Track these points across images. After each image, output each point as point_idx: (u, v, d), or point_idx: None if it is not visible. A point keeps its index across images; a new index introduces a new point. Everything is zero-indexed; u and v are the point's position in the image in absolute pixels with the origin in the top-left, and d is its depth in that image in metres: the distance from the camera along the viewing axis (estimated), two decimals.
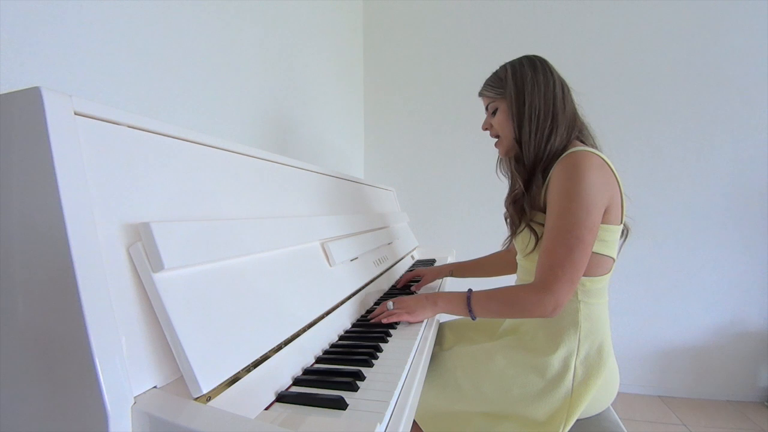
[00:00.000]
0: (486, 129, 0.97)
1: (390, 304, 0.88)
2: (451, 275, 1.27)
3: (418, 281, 1.23)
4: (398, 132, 2.43)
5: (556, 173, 0.80)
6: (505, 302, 0.82)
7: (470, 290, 0.86)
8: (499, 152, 0.98)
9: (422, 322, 0.88)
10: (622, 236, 0.86)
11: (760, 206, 2.03)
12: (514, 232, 0.92)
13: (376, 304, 1.02)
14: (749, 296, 2.08)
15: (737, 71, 1.99)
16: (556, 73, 0.89)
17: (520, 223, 0.89)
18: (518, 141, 0.87)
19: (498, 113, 0.91)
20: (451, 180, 2.36)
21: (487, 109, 0.95)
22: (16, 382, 0.39)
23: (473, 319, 0.84)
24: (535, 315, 0.77)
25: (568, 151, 0.80)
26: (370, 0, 2.42)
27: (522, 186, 0.87)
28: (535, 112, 0.85)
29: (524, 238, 0.88)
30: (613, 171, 0.80)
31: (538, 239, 0.85)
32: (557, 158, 0.82)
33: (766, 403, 2.08)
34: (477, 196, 2.30)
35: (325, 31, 1.87)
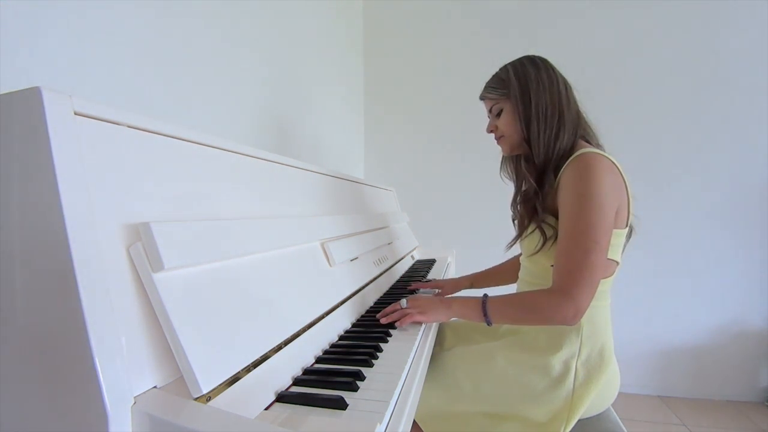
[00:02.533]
0: (491, 131, 0.95)
1: (404, 301, 0.87)
2: (471, 287, 1.22)
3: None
4: (398, 132, 2.43)
5: (566, 175, 0.79)
6: (522, 308, 0.79)
7: (486, 295, 0.84)
8: (502, 150, 0.96)
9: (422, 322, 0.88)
10: (626, 237, 0.85)
11: (760, 206, 2.03)
12: (521, 233, 0.91)
13: (376, 303, 1.02)
14: (749, 296, 2.08)
15: (737, 71, 1.99)
16: (558, 71, 0.88)
17: (529, 223, 0.87)
18: (527, 140, 0.86)
19: (503, 114, 0.90)
20: (451, 180, 2.36)
21: (490, 111, 0.93)
22: (16, 382, 0.39)
23: (489, 325, 0.82)
24: (556, 322, 0.75)
25: (578, 152, 0.79)
26: (371, 0, 2.42)
27: (534, 184, 0.86)
28: (542, 110, 0.84)
29: (532, 240, 0.87)
30: (621, 174, 0.80)
31: (545, 241, 0.83)
32: (566, 158, 0.81)
33: (766, 403, 2.08)
34: (477, 196, 2.30)
35: (325, 31, 1.87)
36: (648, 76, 2.07)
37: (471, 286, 1.23)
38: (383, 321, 0.84)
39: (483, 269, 1.26)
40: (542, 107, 0.84)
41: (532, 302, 0.78)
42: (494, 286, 1.22)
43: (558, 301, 0.73)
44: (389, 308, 0.88)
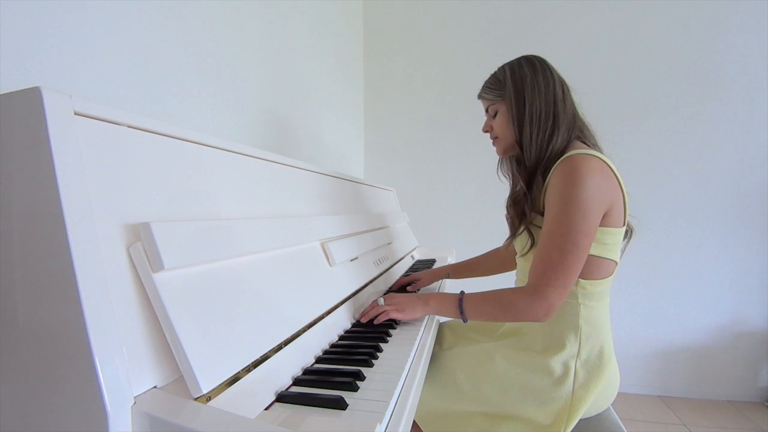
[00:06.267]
0: (487, 131, 0.96)
1: (381, 300, 0.88)
2: (449, 277, 1.26)
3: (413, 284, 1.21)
4: (398, 132, 2.43)
5: (554, 176, 0.79)
6: (496, 305, 0.81)
7: (462, 292, 0.85)
8: (496, 151, 0.97)
9: (422, 320, 0.88)
10: (625, 237, 0.85)
11: (760, 206, 2.03)
12: (514, 234, 0.92)
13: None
14: (749, 296, 2.08)
15: (737, 71, 1.99)
16: (556, 72, 0.88)
17: (519, 225, 0.89)
18: (519, 143, 0.87)
19: (498, 116, 0.91)
20: (451, 180, 2.36)
21: (487, 111, 0.94)
22: (16, 382, 0.39)
23: (464, 321, 0.84)
24: (527, 319, 0.77)
25: (568, 154, 0.79)
26: (371, 0, 2.42)
27: (524, 187, 0.87)
28: (536, 114, 0.84)
29: (523, 239, 0.88)
30: (614, 172, 0.79)
31: (534, 243, 0.85)
32: (557, 159, 0.81)
33: (766, 403, 2.08)
34: (477, 195, 2.30)
35: (325, 31, 1.87)
36: (648, 76, 2.07)
37: (448, 276, 1.25)
38: (362, 320, 0.86)
39: (462, 260, 1.29)
40: (536, 110, 0.84)
41: (506, 300, 0.80)
42: (472, 277, 1.25)
43: (531, 300, 0.75)
44: (368, 307, 0.89)
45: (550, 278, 0.74)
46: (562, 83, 0.87)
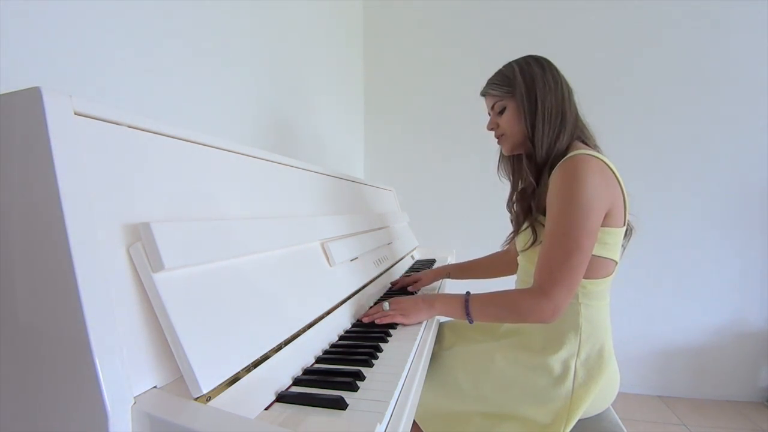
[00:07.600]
0: (491, 129, 0.96)
1: (386, 304, 0.88)
2: (449, 277, 1.26)
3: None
4: (398, 132, 2.43)
5: (555, 177, 0.79)
6: (503, 306, 0.81)
7: (468, 293, 0.85)
8: (502, 149, 0.96)
9: (421, 323, 0.88)
10: (625, 236, 0.85)
11: (759, 206, 2.03)
12: (517, 230, 0.92)
13: (376, 304, 1.02)
14: (749, 296, 2.08)
15: (737, 71, 1.99)
16: (561, 73, 0.88)
17: (524, 220, 0.89)
18: (531, 139, 0.86)
19: (506, 112, 0.90)
20: (451, 180, 2.36)
21: (492, 108, 0.93)
22: (16, 381, 0.39)
23: (470, 323, 0.84)
24: (534, 320, 0.77)
25: (569, 155, 0.79)
26: (371, 1, 2.42)
27: (533, 182, 0.87)
28: (548, 111, 0.84)
29: (525, 236, 0.88)
30: (614, 173, 0.80)
31: (536, 239, 0.85)
32: (560, 158, 0.81)
33: (766, 403, 2.08)
34: (477, 196, 2.30)
35: (325, 31, 1.87)
36: (648, 76, 2.07)
37: (449, 276, 1.26)
38: (365, 320, 0.85)
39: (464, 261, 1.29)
40: (548, 107, 0.84)
41: (512, 301, 0.80)
42: (473, 278, 1.25)
43: (537, 300, 0.75)
44: (372, 309, 0.89)
45: (555, 278, 0.74)
46: (567, 85, 0.88)
